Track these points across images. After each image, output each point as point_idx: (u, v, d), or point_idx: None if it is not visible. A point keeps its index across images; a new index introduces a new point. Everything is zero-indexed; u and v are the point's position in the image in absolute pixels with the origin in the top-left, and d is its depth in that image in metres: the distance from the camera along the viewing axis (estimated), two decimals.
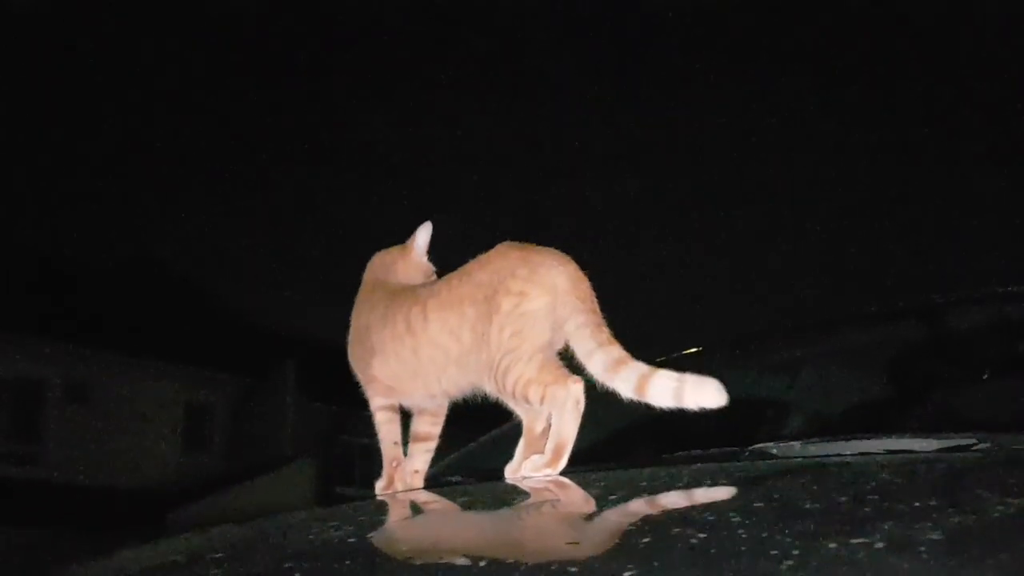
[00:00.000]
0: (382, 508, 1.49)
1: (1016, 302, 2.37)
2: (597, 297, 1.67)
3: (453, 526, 1.27)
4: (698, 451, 1.86)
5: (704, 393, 1.52)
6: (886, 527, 0.88)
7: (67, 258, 17.53)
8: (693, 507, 1.07)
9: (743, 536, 0.90)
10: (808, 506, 1.02)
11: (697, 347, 2.89)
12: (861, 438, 1.67)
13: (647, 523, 1.00)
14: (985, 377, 2.30)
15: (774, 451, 1.73)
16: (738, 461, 1.67)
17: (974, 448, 1.54)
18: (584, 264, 1.68)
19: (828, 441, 1.71)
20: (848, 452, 1.62)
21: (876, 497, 1.05)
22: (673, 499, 1.13)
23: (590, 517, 1.12)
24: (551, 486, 1.44)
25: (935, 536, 0.84)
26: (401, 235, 1.91)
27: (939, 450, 1.55)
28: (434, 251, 1.89)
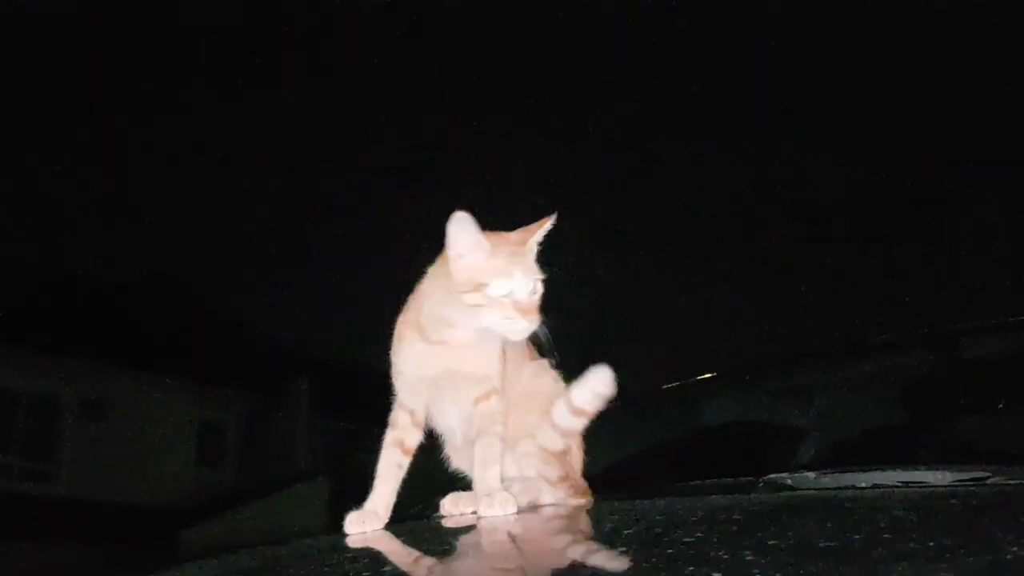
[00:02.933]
0: (397, 539, 1.49)
1: None
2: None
3: (472, 559, 1.28)
4: (713, 480, 1.86)
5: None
6: (900, 568, 0.88)
7: (83, 273, 17.58)
8: (708, 544, 1.07)
9: None
10: (823, 544, 1.02)
11: (711, 373, 2.89)
12: (876, 469, 1.66)
13: (662, 561, 1.01)
14: (1000, 407, 2.29)
15: (788, 482, 1.73)
16: (753, 492, 1.66)
17: (988, 481, 1.53)
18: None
19: (842, 472, 1.71)
20: (863, 483, 1.61)
21: (890, 536, 1.05)
22: (688, 535, 1.14)
23: (605, 553, 1.12)
24: (566, 518, 1.45)
25: None
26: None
27: (953, 483, 1.54)
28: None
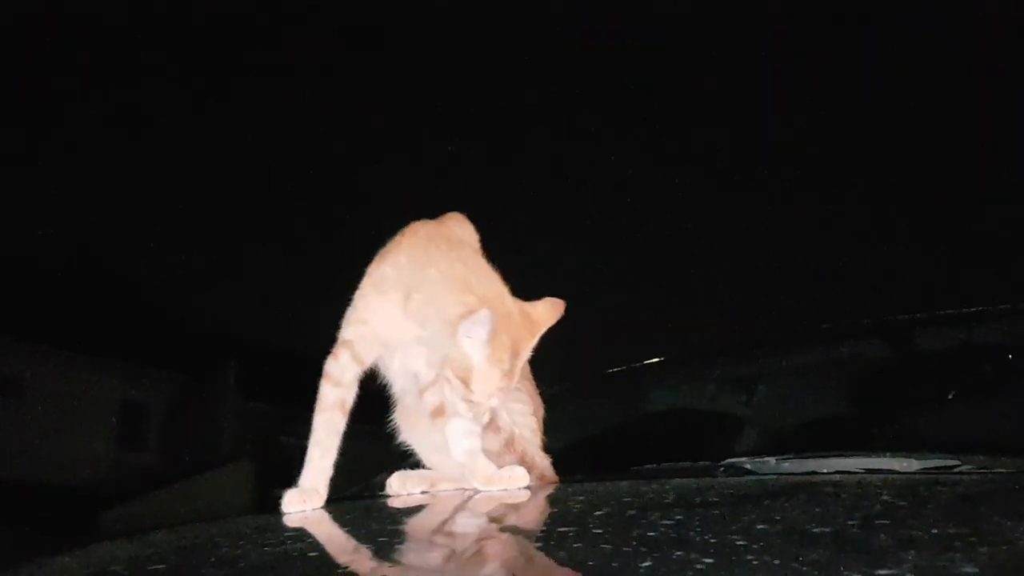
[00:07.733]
0: (341, 519, 1.38)
1: (983, 323, 2.35)
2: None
3: (423, 543, 1.18)
4: (670, 464, 1.79)
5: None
6: (910, 557, 0.80)
7: (2, 250, 17.11)
8: (690, 527, 0.98)
9: (754, 563, 0.81)
10: (817, 530, 0.94)
11: (659, 357, 2.83)
12: (838, 455, 1.61)
13: (644, 544, 0.91)
14: (950, 397, 2.26)
15: (748, 466, 1.67)
16: (714, 476, 1.60)
17: (956, 470, 1.49)
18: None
19: (804, 458, 1.65)
20: (825, 470, 1.56)
21: (887, 522, 0.97)
22: (665, 517, 1.04)
23: (577, 535, 1.02)
24: (526, 496, 1.35)
25: (969, 569, 0.77)
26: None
27: (920, 471, 1.50)
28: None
